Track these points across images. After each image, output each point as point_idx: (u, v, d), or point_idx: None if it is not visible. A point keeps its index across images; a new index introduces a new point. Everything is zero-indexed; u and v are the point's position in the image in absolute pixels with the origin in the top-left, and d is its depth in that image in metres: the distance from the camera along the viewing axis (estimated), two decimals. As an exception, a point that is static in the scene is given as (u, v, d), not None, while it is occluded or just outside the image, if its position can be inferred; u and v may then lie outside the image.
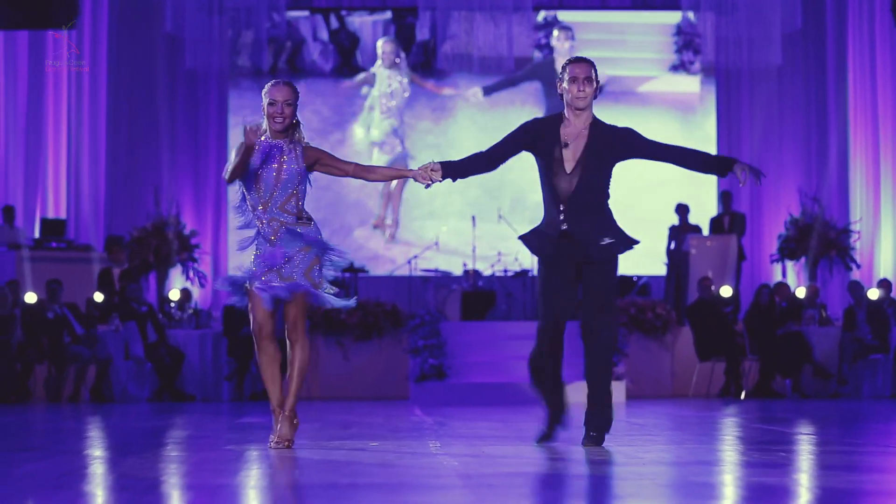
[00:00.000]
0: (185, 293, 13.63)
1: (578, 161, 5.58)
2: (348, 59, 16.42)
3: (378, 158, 16.00)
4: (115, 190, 15.47)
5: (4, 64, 14.51)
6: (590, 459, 5.04)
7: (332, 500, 3.70)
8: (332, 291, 5.64)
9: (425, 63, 16.41)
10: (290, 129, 5.61)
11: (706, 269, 13.90)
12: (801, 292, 13.78)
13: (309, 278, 5.53)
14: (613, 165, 5.67)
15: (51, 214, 14.58)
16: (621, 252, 5.70)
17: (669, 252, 14.89)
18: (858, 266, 14.82)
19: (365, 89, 16.42)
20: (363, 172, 5.70)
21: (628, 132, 5.67)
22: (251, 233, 5.66)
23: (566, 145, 5.58)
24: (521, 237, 5.84)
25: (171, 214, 14.38)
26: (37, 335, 12.15)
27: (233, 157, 5.54)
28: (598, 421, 5.68)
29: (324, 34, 16.48)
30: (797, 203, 14.99)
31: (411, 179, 5.75)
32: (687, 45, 16.34)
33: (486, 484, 4.11)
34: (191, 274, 14.44)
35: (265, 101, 5.57)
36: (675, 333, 13.44)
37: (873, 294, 13.17)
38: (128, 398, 12.10)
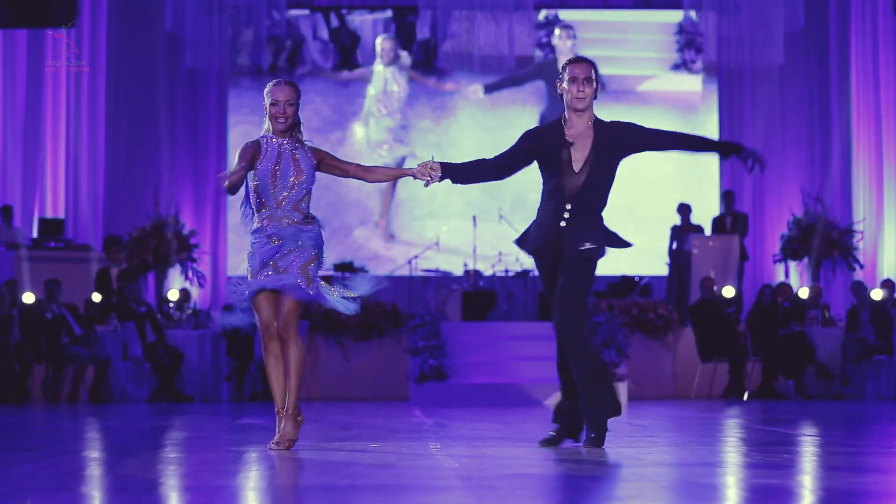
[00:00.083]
0: (184, 293, 13.62)
1: (587, 161, 5.58)
2: (348, 58, 16.40)
3: (378, 160, 15.93)
4: (114, 189, 15.44)
5: (3, 63, 14.47)
6: (591, 461, 5.04)
7: (331, 501, 3.70)
8: (340, 294, 5.67)
9: (426, 62, 16.39)
10: (292, 128, 5.63)
11: (708, 269, 13.89)
12: (803, 293, 13.76)
13: (304, 273, 5.54)
14: (619, 162, 5.68)
15: (49, 214, 14.54)
16: (600, 255, 5.66)
17: (671, 252, 14.86)
18: (862, 266, 14.79)
19: (354, 73, 16.34)
20: (363, 173, 5.74)
21: (630, 126, 5.69)
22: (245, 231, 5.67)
23: (572, 144, 5.58)
24: (515, 241, 5.85)
25: (171, 214, 14.32)
26: (35, 335, 12.12)
27: (235, 167, 5.54)
28: (595, 419, 5.58)
29: (324, 33, 16.47)
30: (800, 203, 14.96)
31: (408, 178, 5.77)
32: (689, 44, 16.34)
33: (486, 486, 4.10)
34: (190, 274, 14.39)
35: (267, 100, 5.59)
36: (677, 334, 13.42)
37: (876, 294, 13.15)
38: (126, 399, 12.07)
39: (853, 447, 5.92)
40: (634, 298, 13.94)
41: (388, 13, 16.46)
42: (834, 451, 5.65)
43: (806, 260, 14.65)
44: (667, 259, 14.99)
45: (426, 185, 5.65)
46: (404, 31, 16.46)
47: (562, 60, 15.69)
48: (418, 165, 5.66)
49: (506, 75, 16.20)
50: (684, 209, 14.86)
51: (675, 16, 16.32)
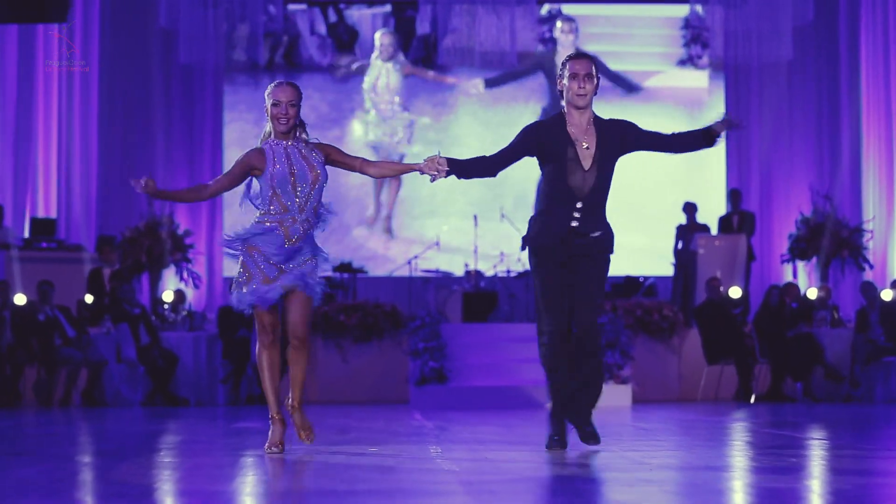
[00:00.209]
0: (179, 294, 13.56)
1: (594, 159, 5.62)
2: (347, 54, 16.22)
3: (373, 156, 15.86)
4: (108, 188, 15.36)
5: (-6, 59, 14.39)
6: (594, 465, 5.05)
7: (330, 506, 3.71)
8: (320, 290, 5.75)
9: (426, 58, 16.30)
10: (294, 129, 5.65)
11: (714, 269, 13.82)
12: (812, 293, 13.72)
13: (313, 279, 5.65)
14: (618, 160, 5.73)
15: (41, 213, 14.43)
16: (612, 250, 5.80)
17: (677, 252, 14.80)
18: (871, 266, 14.69)
19: (352, 67, 16.17)
20: (369, 167, 5.80)
21: (629, 125, 5.73)
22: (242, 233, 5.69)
23: (577, 142, 5.61)
24: (524, 239, 5.82)
25: (165, 214, 14.24)
26: (27, 337, 12.06)
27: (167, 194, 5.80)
28: (586, 413, 5.75)
29: (322, 28, 16.38)
30: (808, 201, 14.87)
31: (411, 175, 5.85)
32: (695, 38, 16.26)
33: (487, 490, 4.10)
34: (185, 275, 14.30)
35: (268, 101, 5.62)
36: (683, 335, 13.35)
37: (887, 295, 13.05)
38: (120, 402, 12.04)
39: (862, 450, 5.89)
40: (639, 299, 13.89)
41: (388, 8, 16.40)
42: (843, 454, 5.64)
43: (815, 260, 14.58)
44: (672, 259, 14.92)
45: (432, 181, 5.69)
46: (404, 26, 16.35)
47: (563, 53, 15.62)
48: (425, 160, 5.68)
49: (507, 69, 16.09)
50: (690, 208, 14.81)
51: (681, 10, 16.26)
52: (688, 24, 16.20)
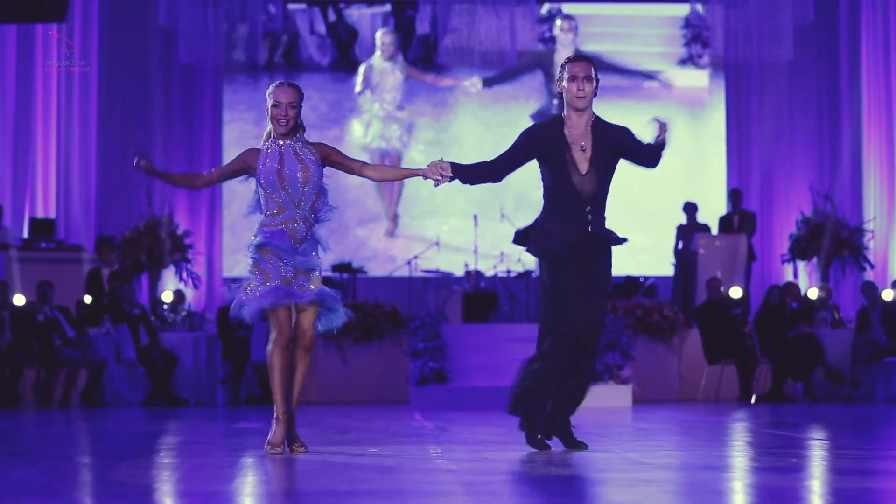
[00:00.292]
0: (179, 295, 13.52)
1: (591, 161, 5.63)
2: (346, 54, 16.30)
3: (373, 157, 15.82)
4: (107, 188, 15.34)
5: (-7, 59, 14.36)
6: (595, 465, 5.04)
7: (329, 507, 3.70)
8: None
9: (426, 57, 16.26)
10: (294, 130, 5.68)
11: (715, 269, 13.80)
12: (813, 293, 13.69)
13: (317, 286, 5.68)
14: (616, 163, 5.75)
15: (40, 214, 14.39)
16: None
17: (677, 252, 14.79)
18: (872, 266, 14.67)
19: (358, 83, 16.13)
20: (371, 171, 5.85)
21: (625, 132, 5.72)
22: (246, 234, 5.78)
23: (583, 149, 5.62)
24: (527, 249, 5.83)
25: (164, 214, 14.20)
26: (26, 338, 12.04)
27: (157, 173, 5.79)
28: (568, 422, 5.77)
29: (321, 27, 16.34)
30: (809, 201, 14.84)
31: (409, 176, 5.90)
32: (695, 38, 16.24)
33: (487, 491, 4.10)
34: (184, 275, 14.25)
35: (269, 102, 5.63)
36: (683, 336, 13.34)
37: (887, 295, 13.03)
38: (120, 402, 12.02)
39: (863, 451, 5.87)
40: (639, 299, 13.88)
41: (387, 7, 16.37)
42: (843, 454, 5.62)
43: (815, 260, 14.55)
44: (672, 259, 14.90)
45: (436, 185, 5.69)
46: (403, 25, 16.32)
47: (562, 52, 15.59)
48: (429, 165, 5.70)
49: (505, 68, 16.07)
50: (690, 208, 14.78)
51: (682, 9, 16.24)
52: (688, 23, 16.17)
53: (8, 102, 14.37)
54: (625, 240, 5.72)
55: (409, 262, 15.18)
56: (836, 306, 13.46)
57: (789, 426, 8.16)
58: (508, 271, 14.88)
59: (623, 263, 12.53)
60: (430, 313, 13.10)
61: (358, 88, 16.12)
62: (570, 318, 5.59)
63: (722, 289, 13.22)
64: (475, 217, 15.00)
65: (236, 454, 5.68)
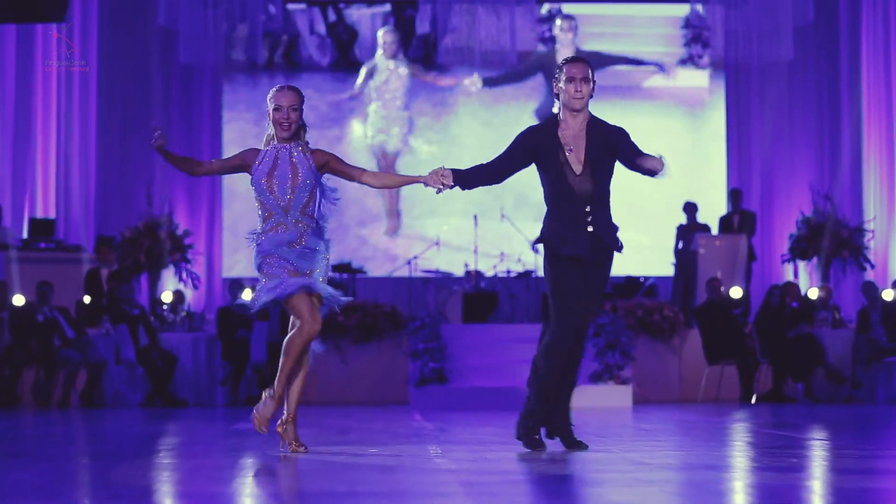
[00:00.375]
0: (178, 295, 13.50)
1: (585, 163, 5.64)
2: (346, 54, 16.27)
3: (374, 157, 15.79)
4: (106, 188, 15.32)
5: (-8, 59, 14.34)
6: (595, 465, 5.04)
7: (329, 508, 3.69)
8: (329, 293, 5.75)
9: (426, 57, 16.25)
10: (296, 133, 5.70)
11: (715, 269, 13.77)
12: (813, 293, 13.66)
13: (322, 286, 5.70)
14: (614, 162, 5.74)
15: (39, 214, 14.36)
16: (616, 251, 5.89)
17: (677, 252, 14.76)
18: (872, 266, 14.64)
19: (359, 81, 16.10)
20: (371, 179, 5.82)
21: (620, 133, 5.70)
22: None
23: (570, 151, 5.64)
24: (541, 240, 5.82)
25: (164, 213, 14.17)
26: (26, 338, 12.02)
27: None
28: (567, 420, 5.79)
29: (321, 27, 16.31)
30: (809, 201, 14.81)
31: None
32: (695, 38, 16.20)
33: (488, 491, 4.08)
34: (184, 275, 14.22)
35: (270, 106, 5.66)
36: (683, 336, 13.31)
37: (888, 295, 13.02)
38: (119, 403, 12.01)
39: (863, 451, 5.87)
40: (639, 299, 13.86)
41: (387, 7, 16.34)
42: (844, 454, 5.62)
43: (815, 260, 14.52)
44: (672, 259, 14.87)
45: (438, 193, 5.74)
46: (403, 25, 16.31)
47: (562, 52, 15.58)
48: (429, 173, 5.74)
49: (506, 70, 16.05)
50: (690, 208, 14.76)
51: (682, 9, 16.21)
52: (688, 23, 16.14)
53: (7, 102, 14.34)
54: (621, 247, 5.75)
55: (408, 262, 15.15)
56: (836, 306, 13.44)
57: (790, 426, 8.16)
58: (509, 271, 14.85)
59: (623, 263, 12.51)
60: (430, 314, 13.08)
61: (358, 82, 16.06)
62: (570, 317, 5.62)
63: (722, 289, 13.20)
64: (475, 217, 14.96)
65: (236, 455, 5.67)
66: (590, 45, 15.96)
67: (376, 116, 16.10)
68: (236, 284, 12.90)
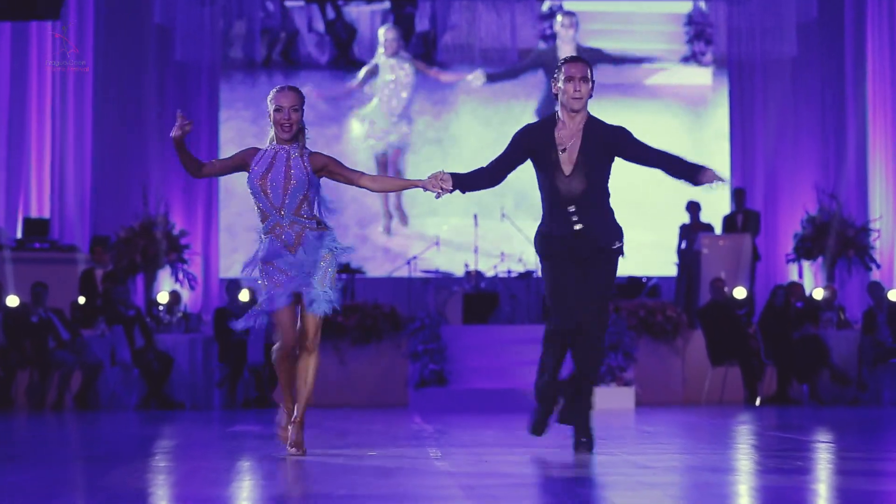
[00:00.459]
0: (174, 296, 13.45)
1: (576, 163, 5.64)
2: (345, 52, 16.25)
3: (373, 157, 15.73)
4: (102, 188, 15.30)
5: (-14, 58, 14.31)
6: (597, 468, 5.06)
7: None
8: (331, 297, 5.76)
9: (425, 55, 16.21)
10: (297, 134, 5.72)
11: (719, 269, 13.72)
12: (818, 293, 13.64)
13: (332, 284, 5.71)
14: (610, 163, 5.75)
15: (34, 214, 14.34)
16: (622, 253, 5.87)
17: (680, 252, 14.74)
18: (878, 266, 14.61)
19: (359, 77, 16.01)
20: (370, 182, 5.87)
21: (620, 132, 5.71)
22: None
23: (563, 150, 5.65)
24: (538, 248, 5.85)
25: (160, 213, 14.13)
26: (20, 340, 11.98)
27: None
28: (585, 423, 5.73)
29: (320, 25, 16.27)
30: (814, 200, 14.78)
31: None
32: (698, 35, 16.17)
33: (488, 495, 4.09)
34: (180, 276, 14.19)
35: (271, 107, 5.68)
36: (687, 337, 13.26)
37: (894, 295, 12.95)
38: (114, 405, 11.98)
39: (869, 453, 5.88)
40: (642, 300, 13.80)
41: (387, 4, 16.33)
42: (849, 457, 5.63)
43: (820, 259, 14.50)
44: (675, 259, 14.84)
45: (437, 197, 5.76)
46: (403, 22, 16.27)
47: (563, 48, 15.52)
48: (429, 177, 5.75)
49: (509, 67, 16.03)
50: (693, 207, 14.73)
51: (684, 6, 16.20)
52: (691, 20, 16.14)
53: (2, 101, 14.35)
54: (619, 248, 5.74)
55: (408, 263, 15.10)
56: (841, 307, 13.40)
57: (794, 429, 8.14)
58: (509, 271, 14.82)
59: (626, 264, 12.46)
60: (429, 314, 13.05)
61: (357, 80, 15.98)
62: (560, 316, 5.66)
63: (726, 289, 13.17)
64: (475, 216, 14.92)
65: (233, 458, 5.68)
66: (591, 43, 15.89)
67: (376, 114, 16.04)
68: (233, 285, 12.81)
